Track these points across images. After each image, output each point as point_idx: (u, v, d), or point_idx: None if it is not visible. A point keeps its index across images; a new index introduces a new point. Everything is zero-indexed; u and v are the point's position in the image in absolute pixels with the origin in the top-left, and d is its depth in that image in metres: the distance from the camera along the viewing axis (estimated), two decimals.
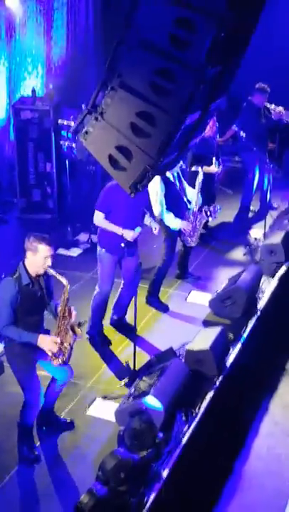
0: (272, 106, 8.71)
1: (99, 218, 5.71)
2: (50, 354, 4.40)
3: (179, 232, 6.68)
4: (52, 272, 4.40)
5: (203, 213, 6.63)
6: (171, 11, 3.45)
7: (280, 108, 8.67)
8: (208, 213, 6.65)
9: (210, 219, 6.77)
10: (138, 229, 5.75)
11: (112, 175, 3.99)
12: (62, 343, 4.43)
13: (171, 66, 3.55)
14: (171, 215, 6.44)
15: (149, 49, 3.55)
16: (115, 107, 3.75)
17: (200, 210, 6.69)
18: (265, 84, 8.73)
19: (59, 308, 4.50)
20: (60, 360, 4.47)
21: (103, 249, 5.82)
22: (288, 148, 10.64)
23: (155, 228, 6.10)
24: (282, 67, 10.79)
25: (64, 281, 4.41)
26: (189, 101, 3.63)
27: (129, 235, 5.65)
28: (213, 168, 7.90)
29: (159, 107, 3.65)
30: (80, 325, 4.57)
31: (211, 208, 6.70)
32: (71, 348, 4.57)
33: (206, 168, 7.89)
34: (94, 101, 3.81)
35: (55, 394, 4.87)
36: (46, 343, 4.35)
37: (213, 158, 7.82)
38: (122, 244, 5.62)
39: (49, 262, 4.40)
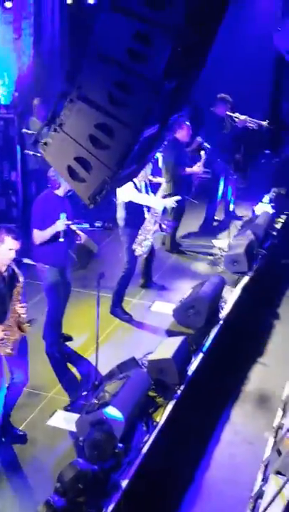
0: (236, 114, 8.89)
1: (38, 235, 5.70)
2: None
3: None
4: (25, 261, 4.51)
5: (157, 226, 6.64)
6: (129, 24, 3.49)
7: (244, 116, 8.85)
8: (163, 227, 6.67)
9: (163, 233, 6.78)
10: (63, 215, 5.66)
11: (71, 186, 4.00)
12: (8, 333, 4.46)
13: (129, 79, 3.58)
14: (137, 193, 6.47)
15: (107, 62, 3.58)
16: (74, 118, 3.76)
17: (155, 222, 6.67)
18: (227, 94, 8.94)
19: (12, 302, 4.54)
20: (3, 350, 4.49)
21: (46, 266, 5.82)
22: (253, 159, 10.79)
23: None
24: (245, 77, 10.99)
25: (20, 277, 4.54)
26: (147, 114, 3.67)
27: (59, 223, 5.61)
28: (196, 169, 8.04)
29: (118, 119, 3.67)
30: (29, 322, 4.58)
31: (166, 222, 6.71)
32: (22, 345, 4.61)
33: (190, 169, 8.03)
34: (53, 112, 3.82)
35: (13, 399, 4.85)
36: None
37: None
38: (61, 239, 5.62)
39: (12, 255, 4.51)
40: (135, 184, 6.42)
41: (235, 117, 8.91)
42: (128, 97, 3.64)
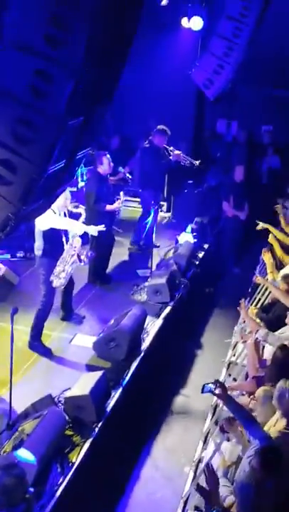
0: (171, 148, 9.04)
1: None
2: None
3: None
4: None
5: (76, 257, 6.57)
6: (29, 61, 3.45)
7: (179, 152, 9.03)
8: (81, 258, 6.61)
9: (81, 264, 6.70)
10: None
11: None
12: None
13: (32, 116, 3.54)
14: (58, 217, 6.39)
15: (8, 98, 3.52)
16: None
17: (74, 253, 6.58)
18: (155, 125, 9.10)
19: None
20: None
21: None
22: (176, 189, 10.94)
23: None
24: (170, 110, 11.22)
25: None
26: (51, 150, 3.63)
27: None
28: (116, 205, 8.03)
29: (21, 155, 3.61)
30: None
31: (84, 253, 6.65)
32: None
33: (110, 207, 7.99)
34: None
35: None
36: None
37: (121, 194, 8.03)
38: None
39: None
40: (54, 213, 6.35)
41: (171, 151, 9.06)
42: (31, 133, 3.59)
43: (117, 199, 8.03)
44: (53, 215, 6.29)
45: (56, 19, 3.34)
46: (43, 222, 6.31)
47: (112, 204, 7.96)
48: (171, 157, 9.08)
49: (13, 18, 3.41)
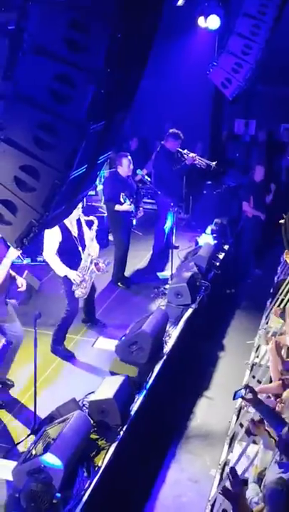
0: (185, 151, 8.96)
1: None
2: None
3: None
4: None
5: (94, 266, 6.54)
6: (50, 66, 3.45)
7: (194, 154, 8.93)
8: (100, 266, 6.59)
9: (99, 273, 6.69)
10: None
11: None
12: None
13: (53, 121, 3.53)
14: (57, 259, 6.32)
15: (30, 103, 3.52)
16: None
17: (92, 261, 6.56)
18: (172, 127, 9.04)
19: None
20: None
21: None
22: (195, 190, 10.90)
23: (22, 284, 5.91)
24: (188, 110, 11.20)
25: None
26: (73, 155, 3.62)
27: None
28: (126, 207, 8.00)
29: (43, 161, 3.61)
30: None
31: (102, 261, 6.62)
32: None
33: (119, 207, 7.99)
34: None
35: None
36: None
37: (122, 196, 7.96)
38: None
39: None
40: (66, 227, 6.29)
41: (185, 154, 8.97)
42: (53, 138, 3.58)
43: (130, 201, 8.02)
44: (53, 255, 6.31)
45: (76, 23, 3.33)
46: (45, 253, 6.35)
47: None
48: (186, 161, 8.94)
49: (33, 23, 3.41)
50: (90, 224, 6.67)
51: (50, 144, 3.57)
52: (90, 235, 6.59)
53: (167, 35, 9.90)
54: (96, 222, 6.68)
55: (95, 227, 6.64)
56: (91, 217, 6.67)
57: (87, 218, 6.61)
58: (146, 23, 3.74)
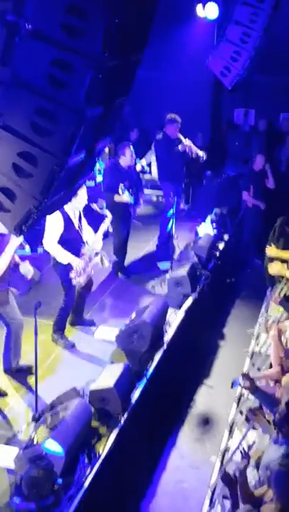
0: (186, 139, 8.84)
1: None
2: None
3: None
4: None
5: (99, 258, 6.54)
6: (48, 51, 3.43)
7: (189, 142, 8.80)
8: (103, 260, 6.60)
9: (103, 265, 6.69)
10: None
11: None
12: None
13: (51, 107, 3.51)
14: (60, 248, 6.31)
15: (27, 89, 3.51)
16: None
17: (97, 253, 6.57)
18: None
19: None
20: None
21: None
22: (195, 180, 10.88)
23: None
24: (188, 99, 11.16)
25: None
26: (71, 141, 3.61)
27: None
28: (125, 198, 7.98)
29: (41, 147, 3.59)
30: None
31: (105, 254, 6.63)
32: None
33: (118, 198, 7.97)
34: None
35: None
36: None
37: (120, 186, 7.95)
38: None
39: None
40: (68, 215, 6.28)
41: (183, 141, 8.90)
42: (51, 124, 3.56)
43: (129, 192, 8.01)
44: (56, 244, 6.29)
45: (74, 8, 3.30)
46: (47, 244, 6.34)
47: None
48: (180, 145, 8.75)
49: (31, 8, 3.39)
50: (101, 218, 6.69)
51: (48, 129, 3.56)
52: (102, 228, 6.66)
53: (166, 25, 9.88)
54: (110, 216, 6.70)
55: (108, 221, 6.66)
56: (95, 206, 6.70)
57: (93, 207, 6.64)
58: (144, 6, 3.72)
